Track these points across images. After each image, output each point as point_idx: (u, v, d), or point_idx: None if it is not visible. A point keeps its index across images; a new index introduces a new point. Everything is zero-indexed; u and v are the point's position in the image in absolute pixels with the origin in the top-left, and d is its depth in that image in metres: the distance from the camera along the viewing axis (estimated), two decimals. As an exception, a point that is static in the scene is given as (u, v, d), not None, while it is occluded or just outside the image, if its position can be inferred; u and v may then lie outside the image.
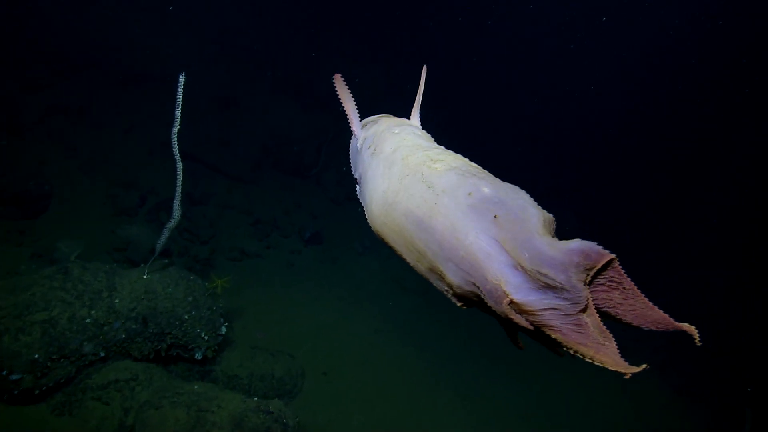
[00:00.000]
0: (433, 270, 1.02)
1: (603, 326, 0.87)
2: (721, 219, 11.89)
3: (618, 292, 0.90)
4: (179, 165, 3.45)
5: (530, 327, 0.91)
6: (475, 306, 1.01)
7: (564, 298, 0.86)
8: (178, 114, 3.16)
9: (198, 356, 4.92)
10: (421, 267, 1.06)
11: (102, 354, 4.21)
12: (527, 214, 0.93)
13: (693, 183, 13.64)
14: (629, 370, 0.86)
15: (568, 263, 0.85)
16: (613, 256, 0.86)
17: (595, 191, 13.27)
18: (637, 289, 0.89)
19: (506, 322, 0.94)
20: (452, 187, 1.00)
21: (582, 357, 0.90)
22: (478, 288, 0.92)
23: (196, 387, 4.36)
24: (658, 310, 0.89)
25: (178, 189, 3.60)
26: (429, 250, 1.00)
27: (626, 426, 6.47)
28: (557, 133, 15.60)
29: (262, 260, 7.35)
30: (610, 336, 0.87)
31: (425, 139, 1.39)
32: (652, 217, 12.88)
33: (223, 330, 5.05)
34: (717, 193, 12.68)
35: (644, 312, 0.90)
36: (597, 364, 0.88)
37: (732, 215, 11.90)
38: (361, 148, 1.48)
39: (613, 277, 0.88)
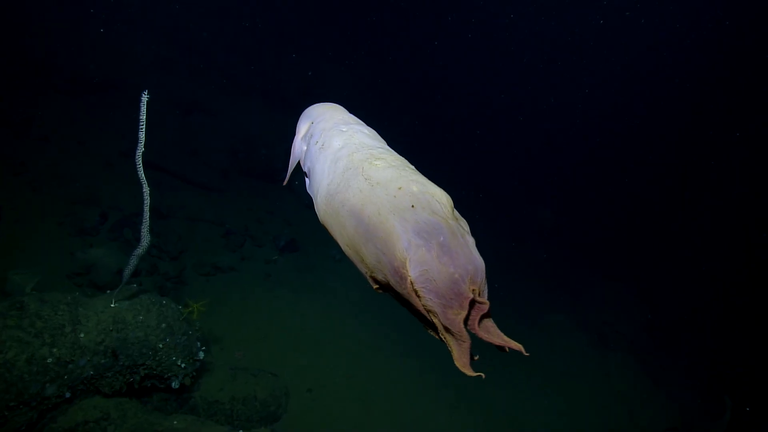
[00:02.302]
0: (358, 252, 1.15)
1: (464, 329, 1.03)
2: (714, 219, 12.25)
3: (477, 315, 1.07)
4: (146, 189, 3.15)
5: (424, 312, 1.03)
6: (389, 291, 1.13)
7: (449, 291, 0.99)
8: (142, 135, 2.87)
9: (175, 385, 4.62)
10: (350, 251, 1.19)
11: (68, 395, 3.86)
12: (437, 207, 1.06)
13: (684, 177, 14.00)
14: (464, 369, 1.03)
15: (465, 263, 0.99)
16: (487, 302, 1.04)
17: (595, 190, 13.47)
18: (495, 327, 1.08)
19: (412, 310, 1.07)
20: (386, 180, 1.12)
21: (446, 342, 1.04)
22: (390, 266, 1.05)
23: (175, 422, 4.08)
24: (496, 338, 1.07)
25: (146, 214, 3.30)
26: (357, 234, 1.13)
27: (616, 423, 6.57)
28: (551, 136, 15.78)
29: (236, 273, 7.03)
30: (467, 338, 1.03)
31: (372, 138, 1.45)
32: (649, 214, 13.15)
33: (201, 355, 4.76)
34: (712, 192, 13.03)
35: (489, 337, 1.09)
36: (450, 351, 1.04)
37: (725, 215, 12.26)
38: (309, 143, 1.56)
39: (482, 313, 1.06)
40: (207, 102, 11.09)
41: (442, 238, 1.01)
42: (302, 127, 1.75)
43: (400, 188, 1.10)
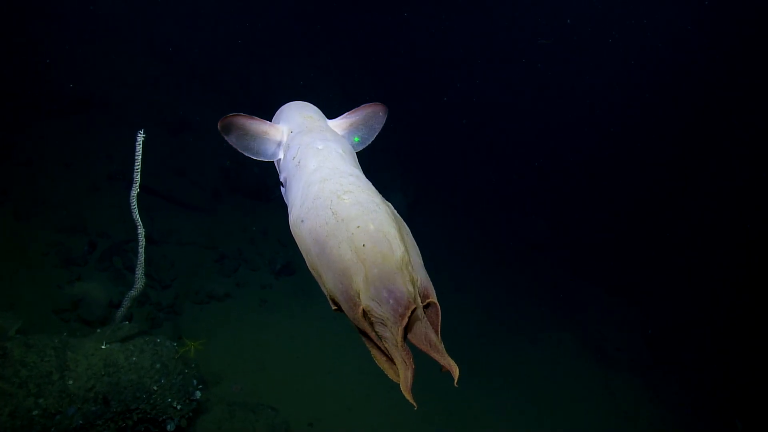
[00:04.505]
0: (320, 276, 1.29)
1: (408, 350, 1.17)
2: (712, 222, 12.14)
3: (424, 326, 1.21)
4: (141, 230, 2.96)
5: (375, 337, 1.18)
6: (343, 312, 1.26)
7: (392, 317, 1.13)
8: (137, 176, 2.69)
9: (170, 428, 4.37)
10: (313, 272, 1.34)
11: (56, 448, 3.59)
12: (386, 244, 1.19)
13: (683, 186, 13.91)
14: (406, 393, 1.14)
15: (400, 293, 1.13)
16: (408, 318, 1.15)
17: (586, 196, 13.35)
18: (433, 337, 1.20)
19: (362, 332, 1.21)
20: (349, 218, 1.24)
21: (396, 364, 1.15)
22: (344, 295, 1.20)
23: (172, 471, 3.84)
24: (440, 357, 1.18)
25: (141, 257, 3.10)
26: (320, 261, 1.27)
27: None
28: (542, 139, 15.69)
29: (232, 300, 6.80)
30: (411, 362, 1.16)
31: (345, 161, 1.52)
32: (647, 224, 13.03)
33: (198, 394, 4.53)
34: (714, 200, 12.90)
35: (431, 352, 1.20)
36: (402, 375, 1.14)
37: (724, 218, 12.15)
38: (285, 155, 1.65)
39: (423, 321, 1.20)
40: (196, 119, 10.86)
41: (381, 271, 1.14)
42: (282, 129, 1.78)
43: (358, 227, 1.21)
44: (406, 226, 1.38)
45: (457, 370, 1.15)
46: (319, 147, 1.55)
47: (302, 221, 1.36)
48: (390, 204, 1.41)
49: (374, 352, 1.23)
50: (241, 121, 1.74)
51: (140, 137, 2.50)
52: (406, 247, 1.24)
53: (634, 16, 16.67)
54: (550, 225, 12.34)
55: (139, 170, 2.64)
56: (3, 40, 9.80)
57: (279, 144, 1.78)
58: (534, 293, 10.20)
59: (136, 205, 2.88)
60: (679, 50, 15.78)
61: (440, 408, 6.38)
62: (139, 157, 2.56)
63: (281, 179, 1.69)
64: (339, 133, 1.82)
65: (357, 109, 1.91)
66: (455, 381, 1.14)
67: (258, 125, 1.79)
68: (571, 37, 17.10)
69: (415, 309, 1.14)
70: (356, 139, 1.88)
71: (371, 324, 1.17)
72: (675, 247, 12.09)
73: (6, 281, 5.26)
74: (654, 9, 16.18)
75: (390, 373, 1.21)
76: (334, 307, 1.30)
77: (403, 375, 1.15)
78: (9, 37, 10.01)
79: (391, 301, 1.13)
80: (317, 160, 1.49)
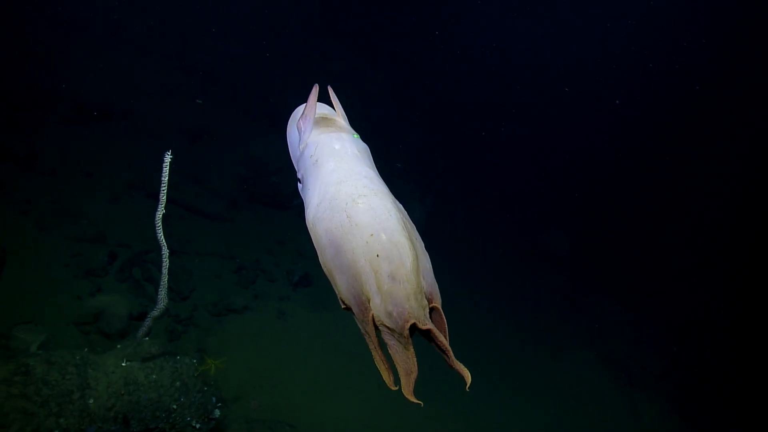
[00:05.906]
0: (332, 277, 1.34)
1: (414, 358, 1.21)
2: (716, 228, 11.83)
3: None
4: (165, 251, 2.89)
5: (377, 342, 1.23)
6: (351, 312, 1.31)
7: (395, 328, 1.19)
8: (163, 197, 2.62)
9: (189, 448, 4.30)
10: (325, 271, 1.38)
11: (75, 469, 3.54)
12: (396, 255, 1.23)
13: (684, 193, 13.63)
14: (409, 396, 1.20)
15: (402, 308, 1.19)
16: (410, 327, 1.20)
17: (589, 207, 13.13)
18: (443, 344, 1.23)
19: (366, 334, 1.26)
20: (363, 224, 1.28)
21: (399, 373, 1.20)
22: (355, 299, 1.26)
23: (191, 495, 3.76)
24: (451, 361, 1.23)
25: (164, 277, 3.04)
26: (333, 263, 1.31)
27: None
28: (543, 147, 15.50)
29: (250, 312, 6.74)
30: (415, 366, 1.21)
31: (361, 161, 1.55)
32: (644, 229, 12.78)
33: (217, 413, 4.45)
34: (711, 201, 12.61)
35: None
36: (404, 381, 1.20)
37: (728, 223, 11.83)
38: (303, 151, 1.67)
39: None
40: (214, 128, 10.91)
41: (391, 282, 1.19)
42: (303, 128, 1.79)
43: (371, 235, 1.25)
44: (415, 230, 1.40)
45: (469, 376, 1.18)
46: (336, 147, 1.57)
47: (319, 220, 1.40)
48: (401, 207, 1.43)
49: (375, 354, 1.27)
50: (314, 100, 1.68)
51: (167, 158, 2.41)
52: (416, 255, 1.27)
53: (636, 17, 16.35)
54: (570, 238, 12.09)
55: (165, 191, 2.57)
56: (26, 50, 9.99)
57: (298, 145, 1.79)
58: (555, 308, 9.96)
59: (161, 227, 2.80)
60: (680, 50, 15.44)
61: (460, 426, 6.22)
62: (165, 178, 2.48)
63: (299, 176, 1.72)
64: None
65: (334, 105, 1.89)
66: (467, 386, 1.17)
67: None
68: (576, 39, 16.86)
69: (414, 324, 1.18)
70: (355, 135, 1.83)
71: (377, 330, 1.22)
72: (698, 260, 11.74)
73: (29, 292, 5.27)
74: (654, 10, 15.89)
75: (385, 376, 1.25)
76: (343, 306, 1.34)
77: (404, 380, 1.19)
78: (32, 47, 10.19)
79: (394, 313, 1.18)
80: (334, 160, 1.52)
